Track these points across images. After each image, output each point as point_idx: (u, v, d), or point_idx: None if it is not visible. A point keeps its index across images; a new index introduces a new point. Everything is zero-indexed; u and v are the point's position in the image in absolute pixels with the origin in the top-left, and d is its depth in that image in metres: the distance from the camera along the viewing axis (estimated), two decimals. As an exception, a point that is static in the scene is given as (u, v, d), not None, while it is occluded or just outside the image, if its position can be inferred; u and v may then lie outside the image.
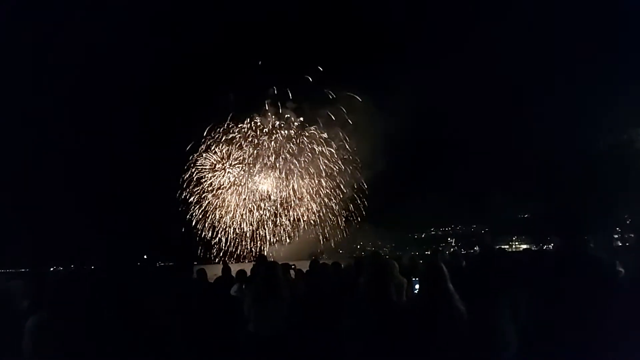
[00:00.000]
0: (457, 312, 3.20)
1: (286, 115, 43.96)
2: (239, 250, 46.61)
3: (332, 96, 43.45)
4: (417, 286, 4.38)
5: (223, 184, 44.97)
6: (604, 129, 41.55)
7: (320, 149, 44.16)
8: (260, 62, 41.88)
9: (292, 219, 47.23)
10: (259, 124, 43.76)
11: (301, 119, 44.39)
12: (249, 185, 45.24)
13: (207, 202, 45.27)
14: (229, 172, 44.89)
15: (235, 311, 4.45)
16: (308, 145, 44.46)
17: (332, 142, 44.44)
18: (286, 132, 43.76)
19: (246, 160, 44.56)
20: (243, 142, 44.36)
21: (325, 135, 44.16)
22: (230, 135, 43.95)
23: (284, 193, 46.19)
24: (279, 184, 46.10)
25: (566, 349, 2.68)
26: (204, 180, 44.86)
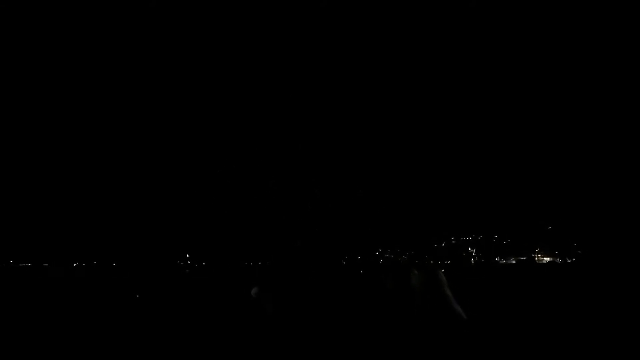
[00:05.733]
0: (456, 316, 3.23)
1: None
2: (256, 251, 46.87)
3: None
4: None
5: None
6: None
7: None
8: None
9: (310, 223, 47.31)
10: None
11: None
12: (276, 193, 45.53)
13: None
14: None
15: (257, 310, 4.58)
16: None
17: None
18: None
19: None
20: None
21: None
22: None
23: (305, 199, 46.33)
24: (301, 190, 46.27)
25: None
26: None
